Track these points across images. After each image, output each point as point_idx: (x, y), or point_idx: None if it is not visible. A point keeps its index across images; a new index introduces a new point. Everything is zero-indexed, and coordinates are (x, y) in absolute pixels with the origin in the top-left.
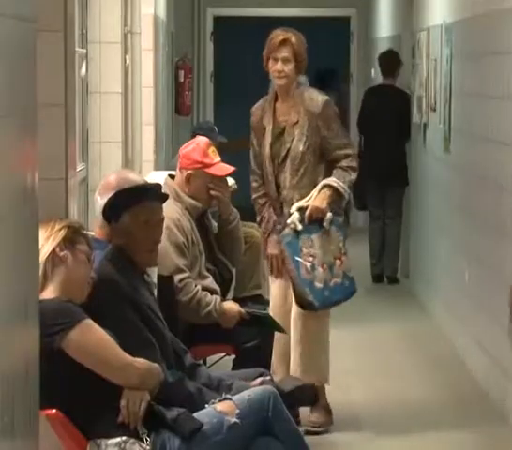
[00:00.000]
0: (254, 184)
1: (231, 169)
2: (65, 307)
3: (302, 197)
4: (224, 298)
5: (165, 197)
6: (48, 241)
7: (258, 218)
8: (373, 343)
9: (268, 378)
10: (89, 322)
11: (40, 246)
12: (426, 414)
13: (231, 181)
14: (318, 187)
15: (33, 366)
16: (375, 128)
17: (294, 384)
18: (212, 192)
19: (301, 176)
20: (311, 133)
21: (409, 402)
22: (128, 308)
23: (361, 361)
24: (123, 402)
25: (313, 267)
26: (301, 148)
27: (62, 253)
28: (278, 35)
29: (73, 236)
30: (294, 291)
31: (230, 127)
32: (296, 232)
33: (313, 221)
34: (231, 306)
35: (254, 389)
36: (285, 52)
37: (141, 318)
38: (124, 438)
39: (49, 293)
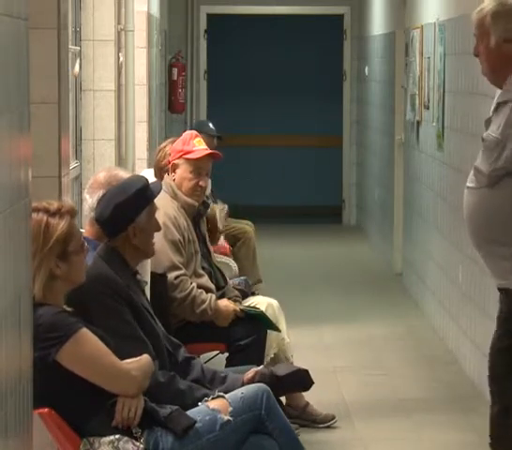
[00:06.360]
0: None
1: (207, 151)
2: (60, 319)
3: None
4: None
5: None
6: (40, 268)
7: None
8: (366, 340)
9: (262, 367)
10: (83, 331)
11: (35, 268)
12: (419, 412)
13: (220, 206)
14: None
15: (26, 365)
16: None
17: (289, 369)
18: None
19: None
20: None
21: (402, 399)
22: (125, 307)
23: (354, 358)
24: (119, 406)
25: None
26: None
27: (59, 271)
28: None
29: (65, 244)
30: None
31: (223, 125)
32: None
33: None
34: (226, 304)
35: (247, 387)
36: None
37: (136, 317)
38: (117, 436)
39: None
